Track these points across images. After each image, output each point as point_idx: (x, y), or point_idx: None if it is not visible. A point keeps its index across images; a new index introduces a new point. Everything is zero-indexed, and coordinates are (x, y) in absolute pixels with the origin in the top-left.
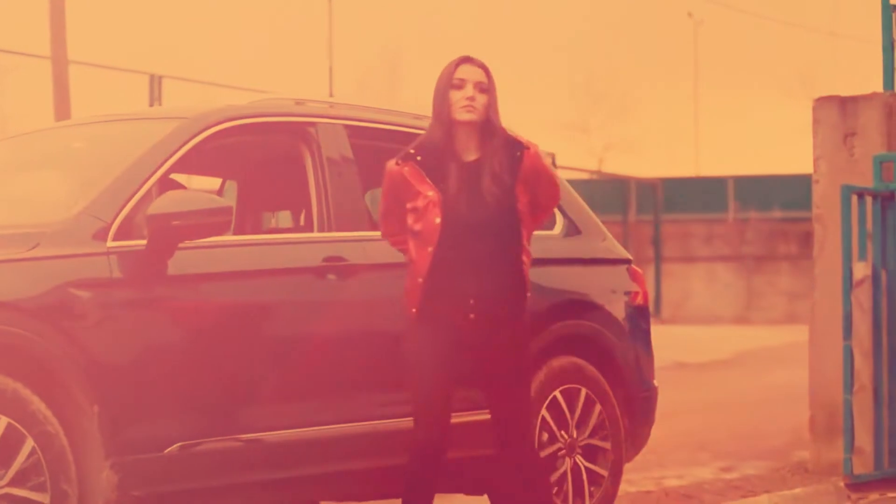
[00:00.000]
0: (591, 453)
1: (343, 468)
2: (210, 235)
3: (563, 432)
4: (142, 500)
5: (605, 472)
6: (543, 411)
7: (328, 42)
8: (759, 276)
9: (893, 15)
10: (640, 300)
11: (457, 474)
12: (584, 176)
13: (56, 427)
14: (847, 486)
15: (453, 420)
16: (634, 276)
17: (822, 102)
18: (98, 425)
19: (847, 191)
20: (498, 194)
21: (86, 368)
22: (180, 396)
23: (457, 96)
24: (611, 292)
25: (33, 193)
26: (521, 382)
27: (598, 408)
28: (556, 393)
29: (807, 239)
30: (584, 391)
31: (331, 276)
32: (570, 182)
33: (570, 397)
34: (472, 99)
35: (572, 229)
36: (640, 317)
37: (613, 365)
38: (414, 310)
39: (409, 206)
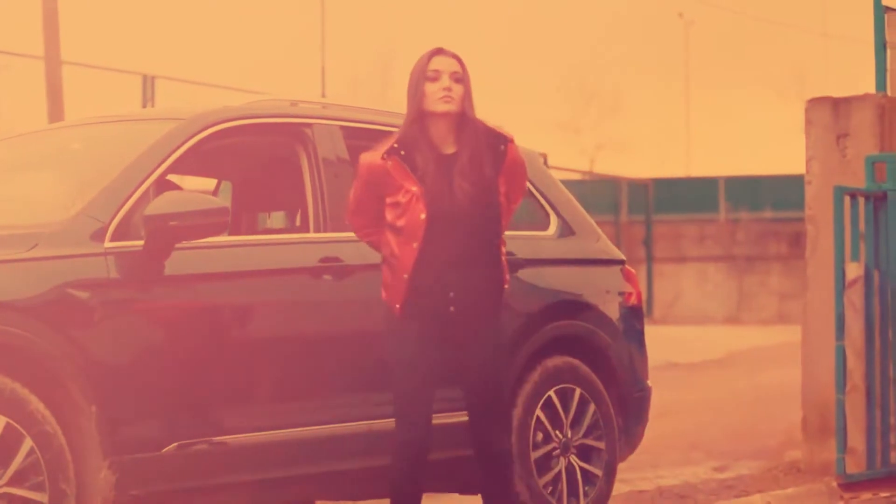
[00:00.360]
0: (585, 453)
1: (339, 467)
2: (207, 236)
3: (557, 432)
4: (139, 499)
5: (599, 472)
6: (538, 411)
7: (321, 42)
8: (751, 276)
9: (886, 16)
10: (633, 300)
11: (449, 474)
12: (576, 176)
13: (54, 427)
14: (840, 485)
15: (448, 420)
16: (628, 277)
17: (814, 103)
18: (96, 425)
19: (840, 192)
20: (480, 187)
21: (84, 368)
22: (178, 396)
23: (433, 88)
24: (605, 293)
25: (31, 194)
26: (497, 375)
27: (592, 407)
28: (551, 393)
29: (798, 239)
30: (578, 391)
31: (327, 277)
32: (562, 182)
33: (565, 397)
34: (448, 89)
35: (566, 230)
36: (634, 317)
37: (608, 365)
38: (398, 306)
39: (389, 200)
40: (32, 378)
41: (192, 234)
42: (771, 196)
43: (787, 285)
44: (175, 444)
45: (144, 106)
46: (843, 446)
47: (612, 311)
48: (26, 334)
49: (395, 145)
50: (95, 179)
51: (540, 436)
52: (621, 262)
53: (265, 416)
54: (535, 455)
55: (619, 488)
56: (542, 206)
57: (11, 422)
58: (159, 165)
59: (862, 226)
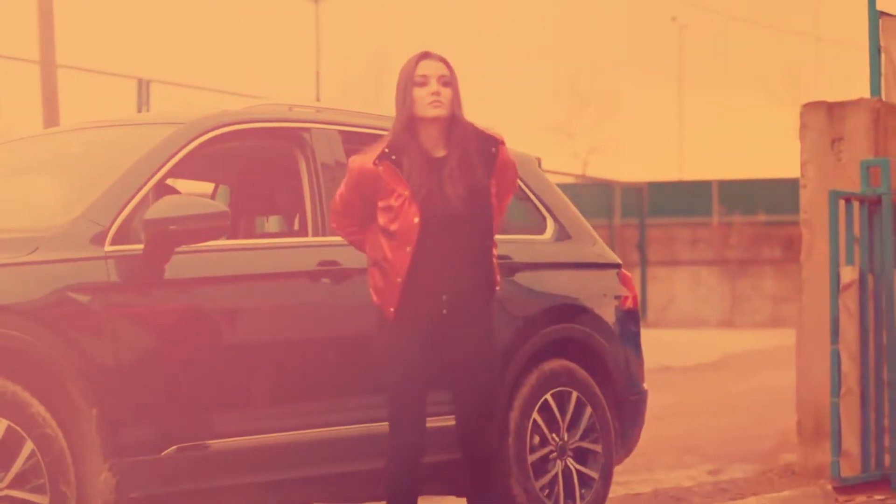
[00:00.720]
0: (581, 456)
1: (337, 470)
2: (207, 240)
3: (554, 435)
4: (139, 501)
5: (595, 475)
6: (535, 414)
7: (315, 47)
8: (744, 279)
9: (880, 21)
10: (629, 304)
11: (444, 477)
12: (569, 180)
13: (55, 430)
14: (834, 488)
15: (443, 423)
16: (624, 281)
17: (809, 108)
18: (96, 428)
19: (834, 196)
20: (471, 190)
21: (84, 371)
22: (177, 399)
23: (421, 93)
24: (601, 296)
25: (32, 198)
26: (488, 375)
27: (588, 411)
28: (548, 396)
29: (791, 243)
30: (574, 394)
31: (325, 280)
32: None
33: (562, 400)
34: (437, 94)
35: (563, 234)
36: (630, 320)
37: (604, 368)
38: (392, 309)
39: (381, 204)
40: (33, 381)
41: (192, 237)
42: (764, 200)
43: (780, 289)
44: (174, 447)
45: (140, 110)
46: (837, 449)
47: (609, 314)
48: (27, 337)
49: (387, 150)
50: (95, 183)
51: (537, 439)
52: (617, 266)
53: (264, 419)
54: (532, 458)
55: (614, 491)
56: (538, 210)
57: (13, 425)
58: (159, 169)
59: (857, 230)
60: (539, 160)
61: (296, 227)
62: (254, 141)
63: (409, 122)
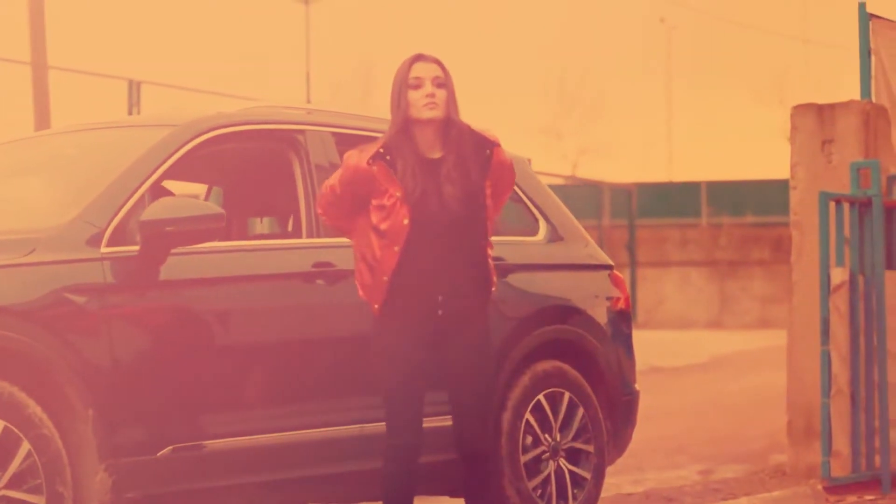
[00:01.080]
0: (574, 456)
1: (333, 470)
2: (202, 241)
3: (546, 436)
4: (135, 501)
5: (588, 475)
6: (528, 415)
7: (306, 48)
8: (733, 280)
9: (871, 23)
10: (621, 305)
11: (440, 477)
12: (559, 181)
13: (51, 430)
14: (825, 488)
15: (439, 423)
16: (616, 282)
17: (800, 110)
18: (92, 428)
19: (825, 197)
20: (467, 191)
21: (81, 372)
22: (173, 400)
23: (416, 96)
24: (593, 297)
25: (28, 199)
26: (483, 375)
27: (581, 411)
28: (540, 397)
29: (779, 244)
30: (567, 395)
31: (320, 282)
32: None
33: (554, 401)
34: (432, 96)
35: (555, 235)
36: (622, 321)
37: (596, 369)
38: (377, 306)
39: (374, 203)
40: (30, 382)
41: (188, 239)
42: (753, 201)
43: (769, 290)
44: (170, 447)
45: (130, 111)
46: (828, 450)
47: (601, 315)
48: (24, 338)
49: (381, 150)
50: (91, 185)
51: (529, 439)
52: (609, 267)
53: (259, 419)
54: (524, 458)
55: (605, 491)
56: (530, 211)
57: (9, 425)
58: (154, 171)
59: (847, 231)
60: (529, 161)
61: (289, 228)
62: (248, 143)
63: (404, 124)
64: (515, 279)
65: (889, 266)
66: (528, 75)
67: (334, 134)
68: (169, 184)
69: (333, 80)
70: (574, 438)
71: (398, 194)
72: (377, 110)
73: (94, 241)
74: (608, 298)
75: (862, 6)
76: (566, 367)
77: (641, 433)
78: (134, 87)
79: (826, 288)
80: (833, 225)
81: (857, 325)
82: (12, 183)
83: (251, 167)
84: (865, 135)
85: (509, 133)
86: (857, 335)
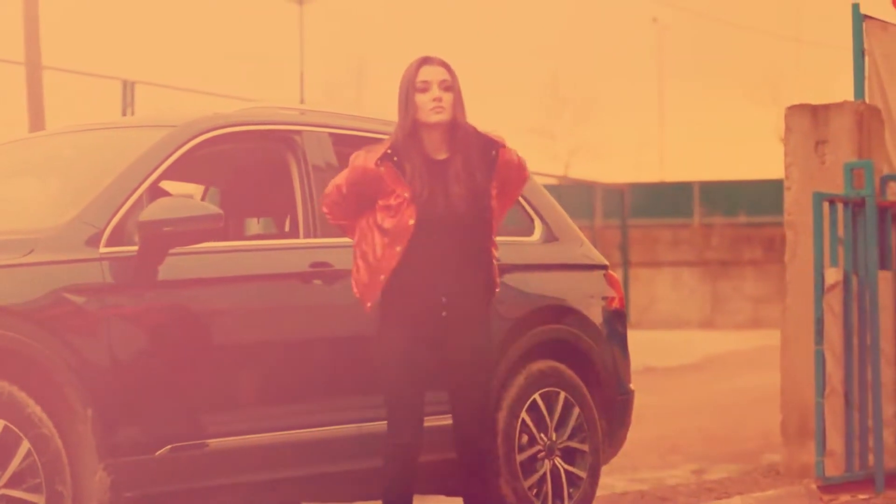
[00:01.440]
0: (569, 455)
1: (332, 470)
2: (201, 242)
3: (542, 435)
4: (134, 500)
5: (583, 474)
6: (523, 414)
7: (300, 48)
8: (725, 280)
9: (864, 23)
10: (616, 305)
11: (438, 476)
12: (551, 181)
13: (51, 430)
14: (819, 488)
15: (437, 422)
16: (611, 282)
17: (793, 110)
18: (92, 428)
19: (819, 198)
20: (472, 193)
21: (80, 372)
22: (171, 399)
23: (423, 99)
24: (588, 297)
25: (27, 200)
26: (484, 376)
27: (576, 411)
28: (536, 396)
29: (771, 244)
30: (562, 394)
31: (317, 282)
32: None
33: (550, 400)
34: (439, 100)
35: (550, 236)
36: (617, 321)
37: (591, 369)
38: (369, 304)
39: (381, 203)
40: (29, 381)
41: (186, 239)
42: (745, 201)
43: (761, 290)
44: (169, 446)
45: (124, 111)
46: (822, 449)
47: (596, 315)
48: (23, 338)
49: (389, 151)
50: (90, 185)
51: (525, 438)
52: (604, 267)
53: (257, 419)
54: (520, 458)
55: (600, 490)
56: (526, 211)
57: (9, 425)
58: (153, 172)
59: (841, 231)
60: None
61: (287, 228)
62: (246, 143)
63: (413, 128)
64: (511, 279)
65: (882, 266)
66: (520, 75)
67: (331, 134)
68: (166, 185)
69: (327, 81)
70: (570, 438)
71: (405, 195)
72: (371, 110)
73: (93, 241)
74: (603, 298)
75: (855, 7)
76: (562, 366)
77: (635, 433)
78: (128, 87)
79: (820, 288)
80: (827, 225)
81: (850, 324)
82: (12, 183)
83: (248, 167)
84: (859, 135)
85: (501, 133)
86: (850, 335)
